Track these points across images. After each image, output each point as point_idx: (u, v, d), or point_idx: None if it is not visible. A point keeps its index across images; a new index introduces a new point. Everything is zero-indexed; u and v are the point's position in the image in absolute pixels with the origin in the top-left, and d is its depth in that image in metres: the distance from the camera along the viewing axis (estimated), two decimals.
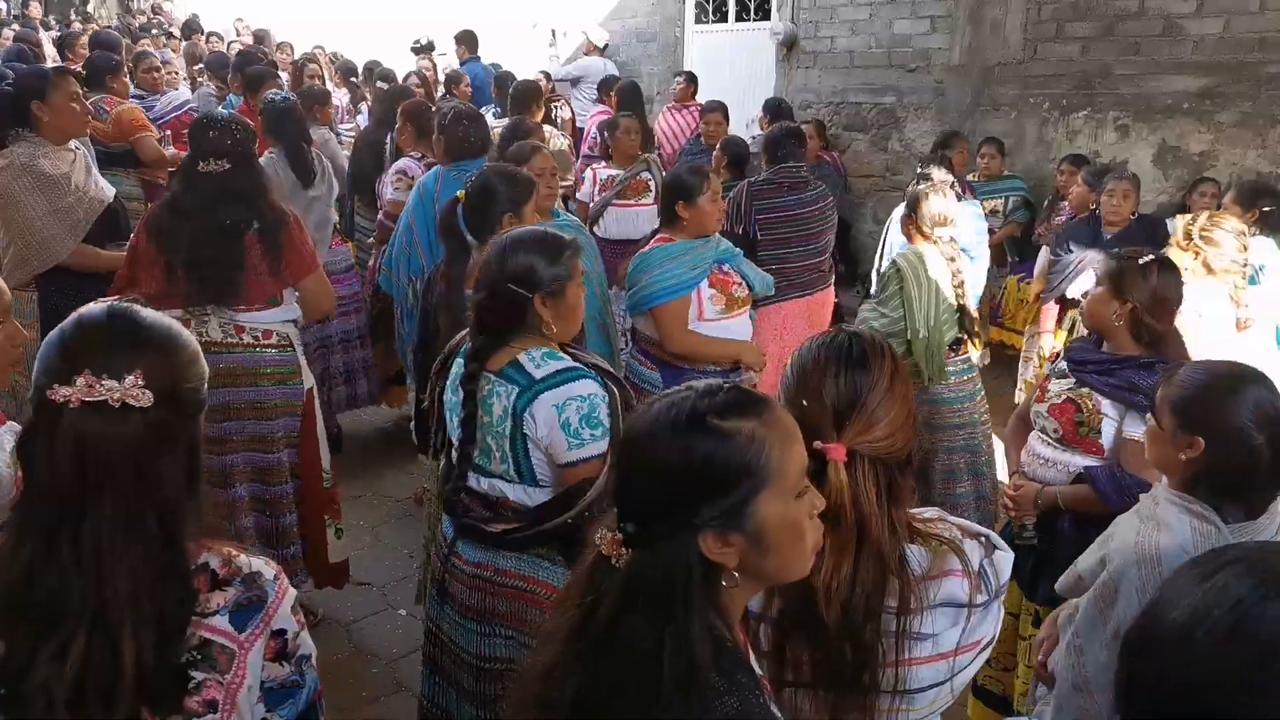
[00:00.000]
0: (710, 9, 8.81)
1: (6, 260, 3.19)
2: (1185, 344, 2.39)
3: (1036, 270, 5.13)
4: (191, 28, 10.98)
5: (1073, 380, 2.40)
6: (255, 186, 2.89)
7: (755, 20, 8.42)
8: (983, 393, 3.49)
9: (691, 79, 7.45)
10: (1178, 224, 3.31)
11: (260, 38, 10.22)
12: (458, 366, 2.02)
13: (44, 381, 1.08)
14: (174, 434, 1.12)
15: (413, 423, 2.67)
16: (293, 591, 1.20)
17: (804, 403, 1.31)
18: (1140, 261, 2.31)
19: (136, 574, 1.05)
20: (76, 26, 10.81)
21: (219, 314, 2.87)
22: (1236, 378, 1.64)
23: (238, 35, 11.05)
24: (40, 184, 3.15)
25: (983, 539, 1.36)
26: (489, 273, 1.93)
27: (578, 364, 1.93)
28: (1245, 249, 3.12)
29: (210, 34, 10.81)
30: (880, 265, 4.39)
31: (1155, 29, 5.73)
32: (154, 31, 10.56)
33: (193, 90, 6.96)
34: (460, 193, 2.66)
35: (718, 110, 6.08)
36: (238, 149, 2.83)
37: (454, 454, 2.02)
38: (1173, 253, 2.97)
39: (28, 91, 3.20)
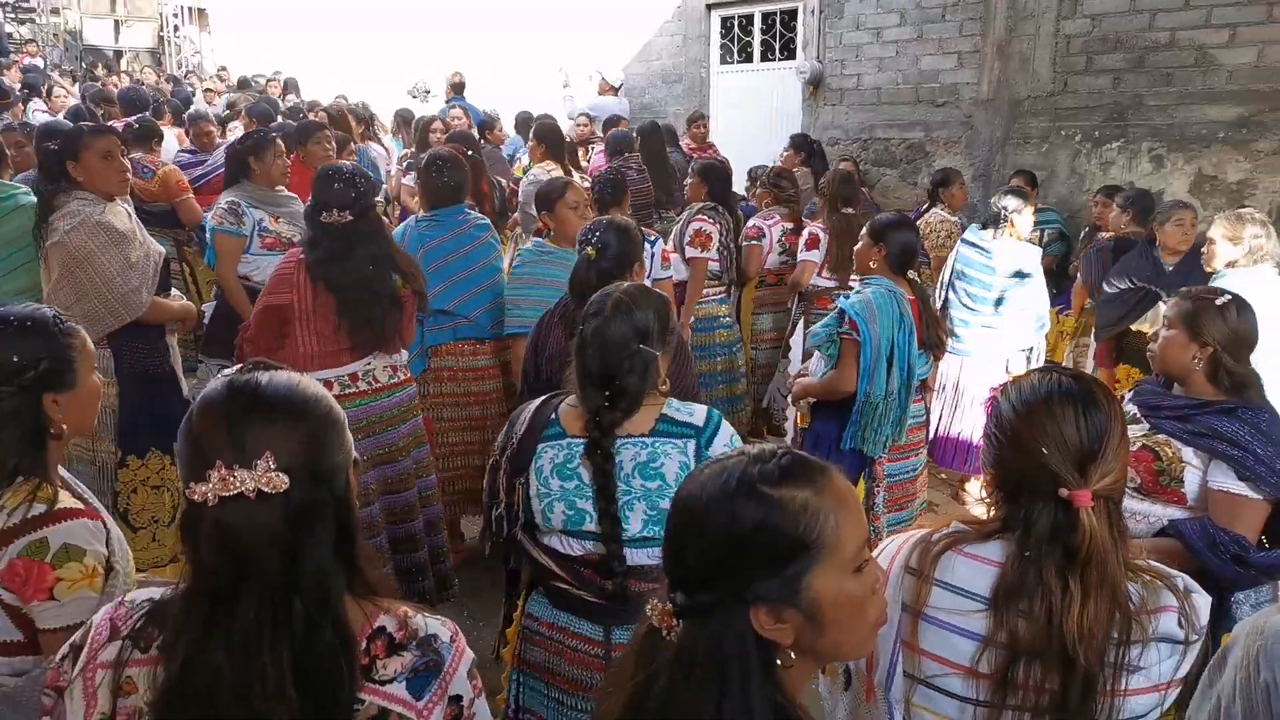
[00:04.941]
0: (735, 50, 8.94)
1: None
2: (1264, 386, 2.30)
3: (1076, 304, 5.00)
4: (245, 84, 11.21)
5: (1147, 426, 2.30)
6: (381, 234, 2.97)
7: (780, 60, 8.53)
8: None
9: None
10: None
11: (290, 87, 10.40)
12: (571, 448, 1.81)
13: (184, 475, 1.07)
14: (320, 506, 1.07)
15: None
16: (470, 654, 1.16)
17: (1044, 451, 1.28)
18: (1218, 302, 2.25)
19: (281, 662, 1.02)
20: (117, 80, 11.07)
21: (380, 355, 2.98)
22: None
23: (264, 85, 11.25)
24: (114, 239, 3.07)
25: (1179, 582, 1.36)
26: (621, 337, 1.79)
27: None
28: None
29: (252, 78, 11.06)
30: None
31: (1187, 60, 5.77)
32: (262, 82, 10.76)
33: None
34: (590, 250, 2.56)
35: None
36: (359, 201, 2.88)
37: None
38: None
39: (64, 151, 3.17)
